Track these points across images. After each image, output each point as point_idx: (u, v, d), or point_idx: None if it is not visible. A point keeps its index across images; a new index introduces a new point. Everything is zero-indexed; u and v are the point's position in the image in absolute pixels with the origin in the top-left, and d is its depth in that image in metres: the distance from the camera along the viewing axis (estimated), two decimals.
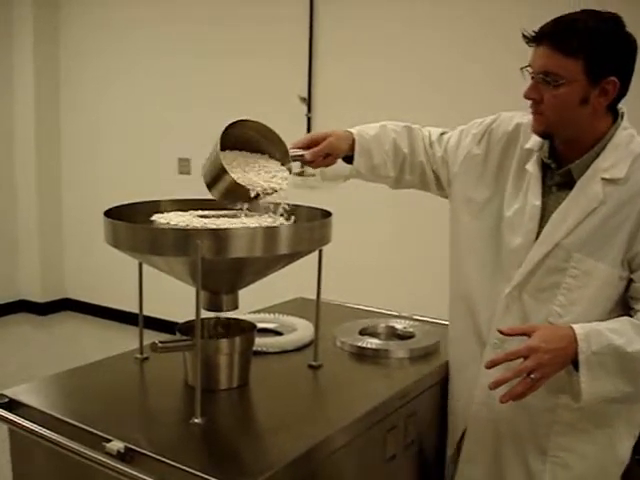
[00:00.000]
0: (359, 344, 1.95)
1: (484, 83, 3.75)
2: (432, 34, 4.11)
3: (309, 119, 4.52)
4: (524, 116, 1.76)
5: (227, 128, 1.63)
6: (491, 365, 1.50)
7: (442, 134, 1.92)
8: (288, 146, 1.72)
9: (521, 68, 1.59)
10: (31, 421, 1.51)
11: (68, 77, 5.76)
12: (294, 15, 4.54)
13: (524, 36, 1.57)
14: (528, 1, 3.44)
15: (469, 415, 1.80)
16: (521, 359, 1.47)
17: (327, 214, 1.73)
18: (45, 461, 1.55)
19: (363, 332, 2.07)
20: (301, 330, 2.02)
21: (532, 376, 1.45)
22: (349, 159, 1.85)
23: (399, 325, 2.13)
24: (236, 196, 1.63)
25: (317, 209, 1.80)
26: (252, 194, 1.59)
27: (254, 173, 1.65)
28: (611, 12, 1.56)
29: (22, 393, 1.62)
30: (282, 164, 1.70)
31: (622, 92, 1.58)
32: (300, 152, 1.75)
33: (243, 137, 1.70)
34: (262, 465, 1.33)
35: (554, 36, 1.53)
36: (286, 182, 1.66)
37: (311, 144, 1.77)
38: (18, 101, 5.71)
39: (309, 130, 4.43)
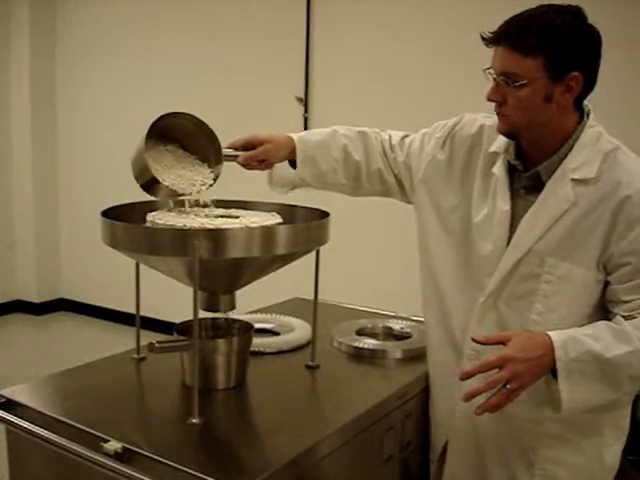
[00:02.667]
0: (356, 344, 1.95)
1: (477, 85, 3.75)
2: (429, 34, 4.12)
3: (306, 119, 4.52)
4: (487, 117, 1.72)
5: (160, 119, 1.64)
6: (465, 377, 1.44)
7: (404, 138, 1.86)
8: (224, 145, 1.71)
9: (484, 70, 1.55)
10: (28, 421, 1.50)
11: (65, 77, 5.75)
12: (291, 14, 4.54)
13: (482, 38, 1.53)
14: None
15: (451, 428, 1.75)
16: (496, 369, 1.41)
17: (325, 214, 1.73)
18: (42, 461, 1.55)
19: (360, 332, 2.07)
20: (298, 330, 2.03)
21: (508, 386, 1.39)
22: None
23: (396, 325, 2.14)
24: (157, 192, 1.66)
25: (315, 209, 1.80)
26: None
27: (176, 173, 1.68)
28: (570, 5, 1.50)
29: (19, 393, 1.62)
30: (215, 161, 1.71)
31: (588, 87, 1.53)
32: (234, 153, 1.72)
33: (182, 129, 1.71)
34: (260, 465, 1.34)
35: (511, 36, 1.48)
36: (205, 188, 1.68)
37: (248, 146, 1.73)
38: (15, 101, 5.70)
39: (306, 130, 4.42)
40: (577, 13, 1.49)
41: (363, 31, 4.32)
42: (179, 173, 1.69)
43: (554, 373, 1.46)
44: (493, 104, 1.57)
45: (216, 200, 1.76)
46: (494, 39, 1.51)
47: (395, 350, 1.93)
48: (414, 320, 2.19)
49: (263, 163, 1.75)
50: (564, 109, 1.53)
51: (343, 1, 4.39)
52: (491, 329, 1.62)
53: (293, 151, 1.77)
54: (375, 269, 4.33)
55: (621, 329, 1.47)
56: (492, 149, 1.67)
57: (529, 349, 1.43)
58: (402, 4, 4.18)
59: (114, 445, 1.36)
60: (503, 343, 1.45)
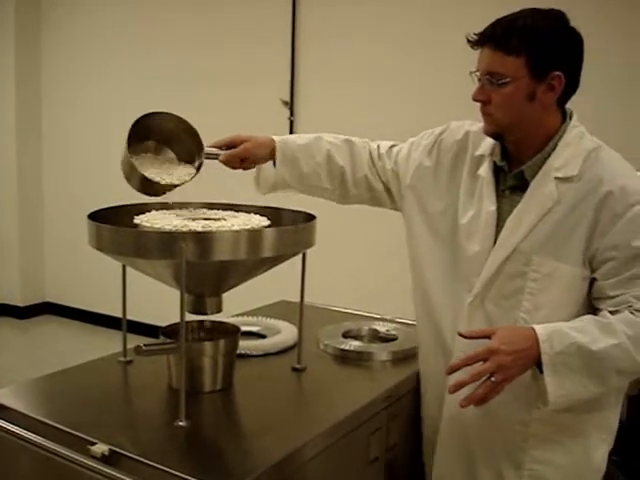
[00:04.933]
0: (342, 347, 1.96)
1: (465, 88, 3.77)
2: (414, 37, 4.14)
3: (292, 122, 4.53)
4: (473, 124, 1.77)
5: (141, 118, 1.68)
6: (450, 371, 1.47)
7: (392, 147, 1.89)
8: (207, 144, 1.73)
9: (470, 72, 1.60)
10: (14, 424, 1.50)
11: (50, 78, 5.73)
12: (277, 17, 4.55)
13: (468, 40, 1.58)
14: None
15: (439, 430, 1.76)
16: (482, 362, 1.43)
17: (311, 217, 1.74)
18: (28, 464, 1.53)
19: (346, 335, 2.08)
20: (284, 333, 2.03)
21: (492, 379, 1.42)
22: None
23: (382, 328, 2.14)
24: (147, 188, 1.69)
25: (301, 212, 1.81)
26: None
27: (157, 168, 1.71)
28: (553, 9, 1.56)
29: (5, 396, 1.61)
30: (198, 159, 1.73)
31: (571, 88, 1.58)
32: (216, 151, 1.74)
33: (164, 129, 1.73)
34: (246, 467, 1.34)
35: (495, 37, 1.54)
36: (189, 177, 1.70)
37: (230, 145, 1.75)
38: None
39: (291, 133, 4.43)
40: (559, 16, 1.56)
41: (349, 34, 4.34)
42: (162, 168, 1.72)
43: (540, 367, 1.47)
44: (479, 107, 1.61)
45: (203, 202, 1.77)
46: (479, 41, 1.57)
47: (381, 352, 1.94)
48: (400, 322, 2.21)
49: (244, 162, 1.77)
50: (547, 108, 1.58)
51: (329, 4, 4.40)
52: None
53: (273, 152, 1.80)
54: (361, 272, 4.34)
55: (607, 322, 1.49)
56: (478, 152, 1.71)
57: (514, 342, 1.46)
58: (387, 6, 4.20)
59: (101, 448, 1.36)
60: (489, 337, 1.47)
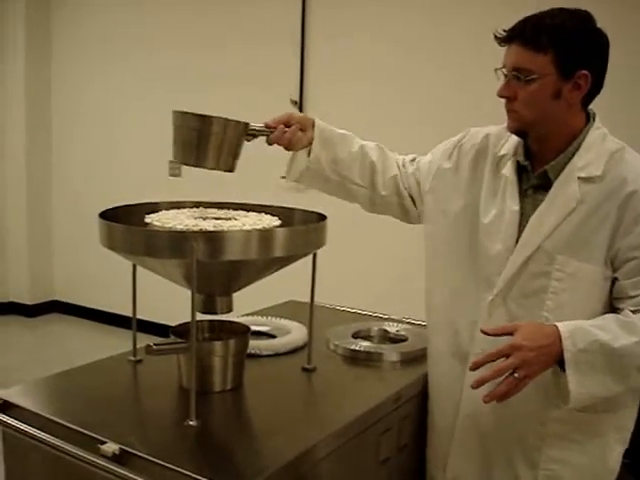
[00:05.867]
0: (352, 347, 1.95)
1: (475, 89, 3.77)
2: (424, 37, 4.14)
3: None
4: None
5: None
6: (475, 367, 1.47)
7: (414, 158, 1.93)
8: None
9: (496, 69, 1.61)
10: (25, 423, 1.50)
11: (60, 78, 5.75)
12: (286, 16, 4.56)
13: (496, 37, 1.60)
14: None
15: (455, 430, 1.76)
16: (504, 358, 1.44)
17: (322, 217, 1.74)
18: (39, 463, 1.54)
19: (356, 335, 2.08)
20: (294, 333, 2.03)
21: (516, 375, 1.42)
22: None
23: (392, 328, 2.14)
24: (229, 139, 1.62)
25: (312, 212, 1.81)
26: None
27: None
28: (580, 9, 1.59)
29: (15, 395, 1.61)
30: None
31: (596, 88, 1.60)
32: (265, 129, 1.72)
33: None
34: (256, 467, 1.34)
35: (523, 34, 1.56)
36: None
37: (286, 124, 1.74)
38: (9, 101, 5.70)
39: None
40: (587, 16, 1.58)
41: (358, 34, 4.34)
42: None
43: (562, 365, 1.48)
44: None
45: (214, 202, 1.76)
46: (507, 37, 1.59)
47: (391, 353, 1.94)
48: (410, 323, 2.20)
49: (290, 129, 1.74)
50: (571, 107, 1.60)
51: (338, 5, 4.40)
52: None
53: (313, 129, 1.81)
54: (371, 272, 4.34)
55: (629, 321, 1.50)
56: (501, 152, 1.73)
57: (537, 338, 1.46)
58: (396, 8, 4.20)
59: (111, 447, 1.36)
60: (511, 334, 1.47)
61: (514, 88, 1.58)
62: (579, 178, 1.59)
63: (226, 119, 1.61)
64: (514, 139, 1.70)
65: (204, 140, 1.61)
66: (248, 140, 1.69)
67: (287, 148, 1.78)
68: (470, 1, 3.92)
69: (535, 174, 1.66)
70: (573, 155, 1.61)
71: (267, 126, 1.72)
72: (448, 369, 1.77)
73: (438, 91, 4.05)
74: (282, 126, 1.73)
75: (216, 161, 1.64)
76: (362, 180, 1.87)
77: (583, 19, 1.57)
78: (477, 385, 1.44)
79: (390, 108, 4.22)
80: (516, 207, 1.66)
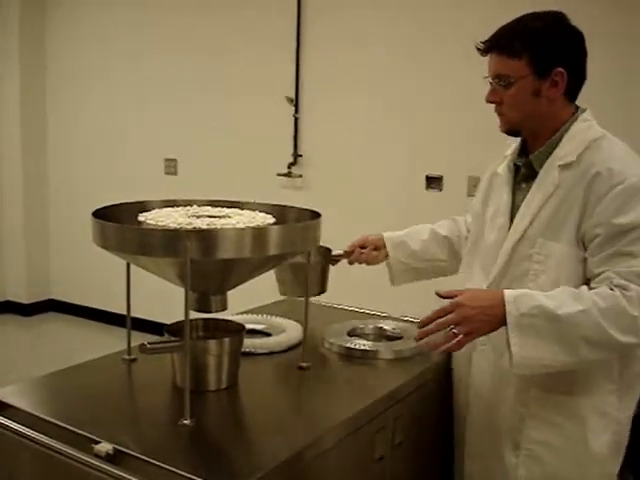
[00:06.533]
0: (348, 345, 1.95)
1: (467, 94, 3.78)
2: (416, 40, 4.15)
3: (296, 120, 4.52)
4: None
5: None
6: (422, 324, 1.61)
7: None
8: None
9: (484, 77, 1.74)
10: (18, 423, 1.50)
11: (54, 78, 5.74)
12: (282, 14, 4.56)
13: (477, 49, 1.73)
14: None
15: (468, 408, 1.88)
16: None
17: (316, 215, 1.73)
18: (33, 463, 1.53)
19: (351, 333, 2.07)
20: (290, 331, 2.02)
21: (454, 330, 1.55)
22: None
23: (387, 326, 2.14)
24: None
25: (307, 210, 1.80)
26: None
27: None
28: (552, 10, 1.69)
29: (9, 394, 1.60)
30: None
31: (576, 82, 1.72)
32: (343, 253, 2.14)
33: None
34: (251, 466, 1.33)
35: (498, 43, 1.69)
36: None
37: (362, 245, 2.15)
38: (5, 102, 5.69)
39: (296, 131, 4.43)
40: (557, 16, 1.70)
41: (353, 39, 4.36)
42: None
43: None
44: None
45: (208, 200, 1.76)
46: (485, 48, 1.73)
47: (386, 351, 1.93)
48: (405, 321, 2.20)
49: (367, 260, 2.17)
50: (553, 102, 1.71)
51: (334, 6, 4.41)
52: None
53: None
54: (366, 270, 4.32)
55: (577, 291, 1.57)
56: (506, 153, 1.89)
57: (480, 298, 1.60)
58: (392, 13, 4.22)
59: (105, 447, 1.35)
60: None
61: (499, 93, 1.72)
62: (559, 166, 1.69)
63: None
64: (518, 141, 1.84)
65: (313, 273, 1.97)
66: (333, 264, 2.11)
67: (367, 264, 2.15)
68: (467, 9, 3.93)
69: (521, 164, 1.79)
70: (557, 145, 1.71)
71: (346, 252, 2.13)
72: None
73: (433, 95, 4.06)
74: (359, 249, 2.13)
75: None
76: (444, 254, 2.12)
77: (554, 19, 1.68)
78: (419, 337, 1.62)
79: (385, 112, 4.23)
80: (506, 197, 1.81)
